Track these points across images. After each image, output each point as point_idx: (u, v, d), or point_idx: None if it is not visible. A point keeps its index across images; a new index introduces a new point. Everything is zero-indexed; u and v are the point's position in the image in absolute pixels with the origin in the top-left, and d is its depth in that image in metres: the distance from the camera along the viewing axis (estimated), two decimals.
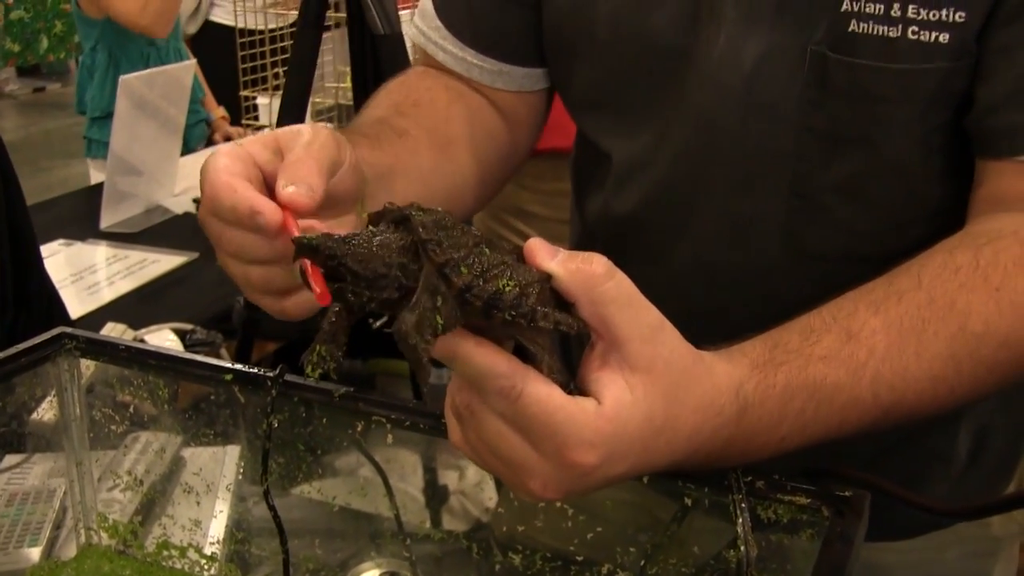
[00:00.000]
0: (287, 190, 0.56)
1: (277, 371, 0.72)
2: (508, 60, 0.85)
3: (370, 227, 0.51)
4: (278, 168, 0.58)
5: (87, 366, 0.80)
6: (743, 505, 0.55)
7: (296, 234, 0.54)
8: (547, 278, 0.50)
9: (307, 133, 0.60)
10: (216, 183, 0.57)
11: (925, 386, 0.61)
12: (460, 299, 0.48)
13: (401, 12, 1.75)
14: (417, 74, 0.87)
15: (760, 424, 0.57)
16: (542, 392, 0.50)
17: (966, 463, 0.86)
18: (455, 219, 0.51)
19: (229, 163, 0.58)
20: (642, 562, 0.66)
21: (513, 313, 0.48)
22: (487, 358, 0.50)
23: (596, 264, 0.51)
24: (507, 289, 0.48)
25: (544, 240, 0.51)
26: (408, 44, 1.71)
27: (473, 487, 0.85)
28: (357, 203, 0.65)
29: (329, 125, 0.65)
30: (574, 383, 0.52)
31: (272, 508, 0.73)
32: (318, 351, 0.52)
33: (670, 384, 0.52)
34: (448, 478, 0.83)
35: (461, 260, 0.48)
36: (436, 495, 0.86)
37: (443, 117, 0.82)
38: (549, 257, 0.50)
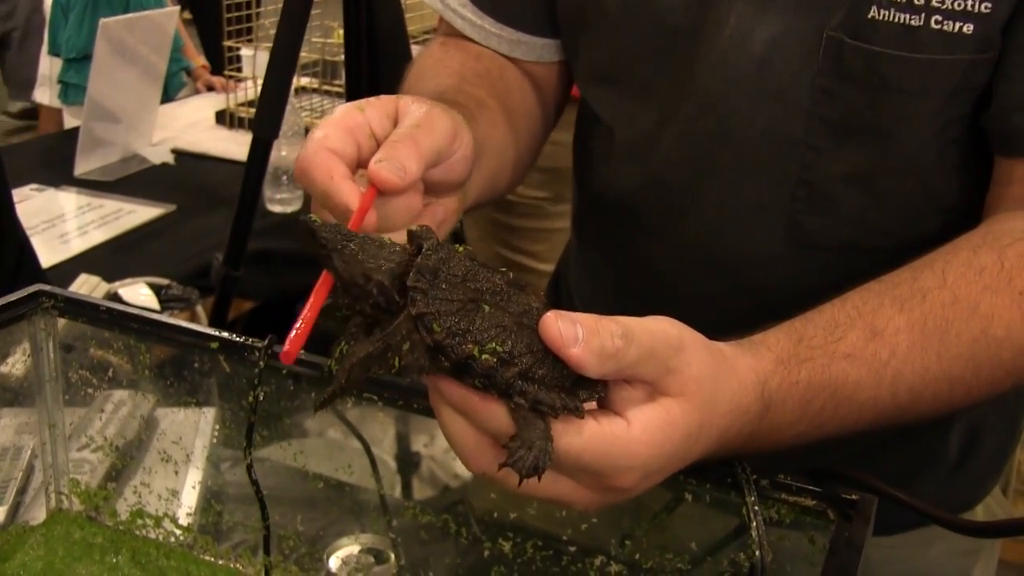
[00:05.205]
0: (377, 164, 0.54)
1: (266, 341, 0.69)
2: (525, 30, 0.83)
3: (389, 239, 0.49)
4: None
5: (61, 321, 0.77)
6: (756, 508, 0.53)
7: (371, 213, 0.52)
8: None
9: (419, 113, 0.57)
10: (314, 160, 0.54)
11: (943, 387, 0.61)
12: (432, 355, 0.47)
13: None
14: (454, 45, 0.84)
15: (781, 421, 0.57)
16: (560, 444, 0.48)
17: (957, 462, 0.85)
18: (475, 263, 0.48)
19: (333, 136, 0.55)
20: (636, 556, 0.64)
21: (484, 382, 0.46)
22: (490, 422, 0.48)
23: (616, 339, 0.48)
24: (483, 356, 0.46)
25: (558, 312, 0.48)
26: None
27: (443, 453, 0.82)
28: (461, 190, 0.63)
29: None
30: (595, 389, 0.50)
31: (255, 483, 0.70)
32: (331, 397, 0.50)
33: (704, 398, 0.51)
34: (419, 443, 0.81)
35: (436, 316, 0.46)
36: (411, 462, 0.84)
37: (503, 88, 0.80)
38: (572, 343, 0.47)
